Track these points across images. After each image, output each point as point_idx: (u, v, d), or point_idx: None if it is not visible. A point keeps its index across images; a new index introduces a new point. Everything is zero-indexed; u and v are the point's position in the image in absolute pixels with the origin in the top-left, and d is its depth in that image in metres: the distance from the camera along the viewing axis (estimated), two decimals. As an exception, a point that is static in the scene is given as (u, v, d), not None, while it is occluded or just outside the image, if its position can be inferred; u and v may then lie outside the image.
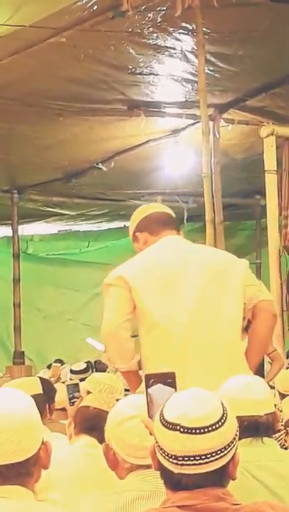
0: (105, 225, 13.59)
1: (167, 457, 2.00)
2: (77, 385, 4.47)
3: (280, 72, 7.47)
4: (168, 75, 7.44)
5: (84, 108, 8.06)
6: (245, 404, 2.93)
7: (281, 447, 3.67)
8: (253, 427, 2.95)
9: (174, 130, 8.98)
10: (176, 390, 2.31)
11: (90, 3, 5.83)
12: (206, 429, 1.98)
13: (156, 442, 2.04)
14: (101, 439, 2.86)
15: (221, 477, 2.02)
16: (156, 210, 3.85)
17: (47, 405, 4.24)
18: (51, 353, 12.29)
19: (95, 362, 10.26)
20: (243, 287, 3.60)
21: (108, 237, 13.77)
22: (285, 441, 4.64)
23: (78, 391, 4.38)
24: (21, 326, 11.58)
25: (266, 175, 7.19)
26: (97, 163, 9.97)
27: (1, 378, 8.93)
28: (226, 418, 2.02)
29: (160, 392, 2.32)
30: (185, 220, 11.20)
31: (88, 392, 4.08)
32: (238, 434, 2.07)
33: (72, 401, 4.35)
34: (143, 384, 3.45)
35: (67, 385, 4.52)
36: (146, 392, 2.36)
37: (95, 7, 5.87)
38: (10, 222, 11.86)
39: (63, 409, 4.66)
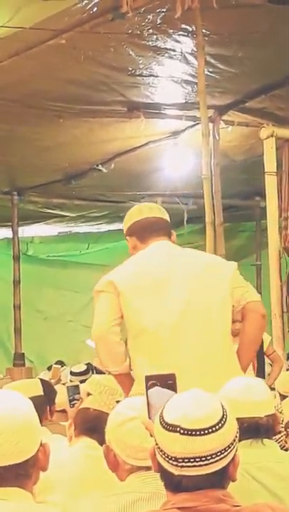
0: (105, 227, 13.58)
1: (167, 459, 2.00)
2: (77, 386, 4.46)
3: (279, 73, 7.48)
4: (168, 76, 7.44)
5: (84, 110, 8.06)
6: (245, 406, 2.93)
7: (281, 449, 3.66)
8: (253, 429, 2.95)
9: (174, 132, 8.98)
10: (176, 392, 2.31)
11: (89, 5, 5.83)
12: (206, 431, 1.98)
13: (156, 444, 2.04)
14: (101, 441, 2.86)
15: (221, 479, 2.02)
16: (147, 215, 3.82)
17: (48, 407, 4.24)
18: (51, 355, 12.29)
19: (95, 363, 10.25)
20: (231, 289, 3.62)
21: (108, 238, 13.77)
22: (286, 442, 4.64)
23: (78, 393, 4.37)
24: (21, 327, 11.58)
25: (266, 176, 7.20)
26: (97, 165, 9.97)
27: (1, 380, 8.92)
28: (226, 420, 2.02)
29: (160, 393, 2.32)
30: (185, 222, 11.21)
31: (88, 394, 4.07)
32: (238, 435, 2.06)
33: (72, 403, 4.34)
34: (134, 386, 3.47)
35: (68, 387, 4.51)
36: (146, 393, 2.36)
37: (95, 9, 5.88)
38: (10, 223, 11.85)
39: (63, 411, 4.66)
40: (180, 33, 6.47)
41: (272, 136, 7.17)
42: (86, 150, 9.45)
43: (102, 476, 2.97)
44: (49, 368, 10.12)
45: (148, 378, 2.39)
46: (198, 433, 1.98)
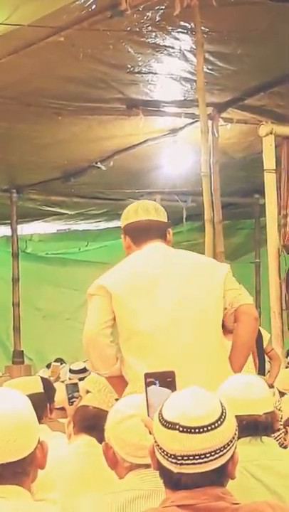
0: (104, 225, 13.59)
1: (166, 456, 2.00)
2: (76, 384, 4.46)
3: (278, 71, 7.47)
4: (167, 74, 7.44)
5: (83, 107, 8.06)
6: (244, 404, 2.93)
7: (280, 446, 3.67)
8: (252, 426, 2.95)
9: (173, 129, 8.98)
10: (175, 389, 2.31)
11: (88, 2, 5.83)
12: (205, 429, 1.98)
13: (156, 442, 2.04)
14: (100, 439, 2.86)
15: (220, 476, 2.02)
16: (142, 217, 3.81)
17: (48, 404, 4.24)
18: (50, 353, 12.30)
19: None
20: (223, 291, 3.62)
21: (107, 236, 13.77)
22: (284, 440, 4.64)
23: (77, 391, 4.37)
24: (20, 325, 11.59)
25: (265, 174, 7.21)
26: (96, 163, 9.97)
27: (1, 378, 8.93)
28: (224, 417, 2.02)
29: (159, 391, 2.32)
30: (184, 219, 11.22)
31: (87, 392, 4.07)
32: (237, 433, 2.06)
33: (71, 401, 4.34)
34: (128, 388, 3.47)
35: (67, 385, 4.51)
36: (146, 391, 2.36)
37: (94, 6, 5.87)
38: (9, 221, 11.87)
39: (62, 409, 4.66)
40: (179, 30, 6.47)
41: (271, 133, 7.17)
42: (85, 147, 9.45)
43: (102, 473, 2.97)
44: (48, 366, 10.12)
45: (147, 376, 2.38)
46: (197, 431, 1.98)
